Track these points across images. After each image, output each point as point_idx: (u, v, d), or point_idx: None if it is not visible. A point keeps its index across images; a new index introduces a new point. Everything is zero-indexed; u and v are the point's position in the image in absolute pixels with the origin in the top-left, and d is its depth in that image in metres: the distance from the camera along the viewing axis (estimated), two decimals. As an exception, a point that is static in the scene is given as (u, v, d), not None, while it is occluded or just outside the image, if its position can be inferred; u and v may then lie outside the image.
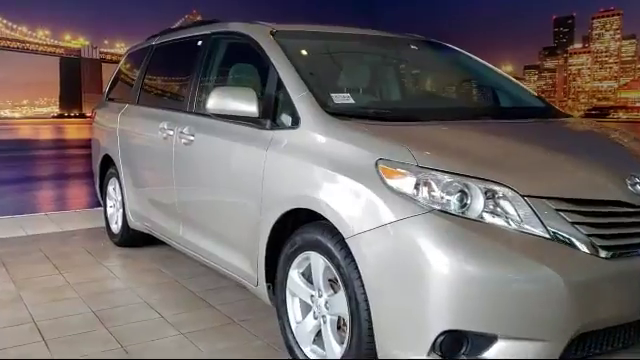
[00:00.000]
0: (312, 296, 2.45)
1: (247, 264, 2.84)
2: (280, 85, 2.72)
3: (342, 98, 2.71)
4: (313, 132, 2.48)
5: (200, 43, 3.62)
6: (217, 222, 3.14)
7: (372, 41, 3.64)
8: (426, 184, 2.03)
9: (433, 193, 2.02)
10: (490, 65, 3.69)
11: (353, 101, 2.74)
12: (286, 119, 2.66)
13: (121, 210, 4.56)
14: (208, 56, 3.48)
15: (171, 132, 3.51)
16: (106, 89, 5.29)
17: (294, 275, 2.51)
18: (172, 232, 3.70)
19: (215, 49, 3.49)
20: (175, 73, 4.16)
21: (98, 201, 5.37)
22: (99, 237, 5.00)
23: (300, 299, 2.54)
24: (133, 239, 4.56)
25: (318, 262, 2.36)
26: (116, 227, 4.72)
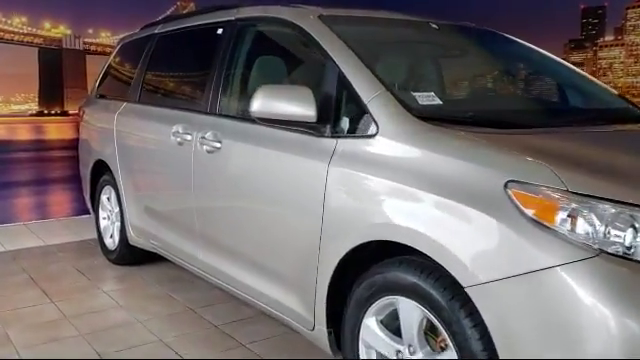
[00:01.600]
0: (398, 352, 2.07)
1: (297, 302, 2.50)
2: (343, 82, 2.38)
3: (427, 98, 2.35)
4: (399, 142, 2.11)
5: (221, 32, 3.34)
6: (254, 248, 2.82)
7: (432, 30, 3.30)
8: (583, 217, 1.67)
9: (595, 229, 1.66)
10: (560, 59, 3.45)
11: (440, 101, 2.38)
12: (352, 124, 2.33)
13: (118, 223, 4.36)
14: (232, 47, 3.20)
15: (188, 137, 3.24)
16: (96, 84, 5.13)
17: (371, 324, 2.15)
18: (189, 254, 3.42)
19: (241, 38, 3.21)
20: (188, 67, 3.93)
21: (83, 209, 5.28)
22: (90, 253, 4.77)
23: (379, 353, 2.16)
24: (133, 256, 4.35)
25: (411, 311, 1.99)
26: (112, 242, 4.50)
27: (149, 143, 3.88)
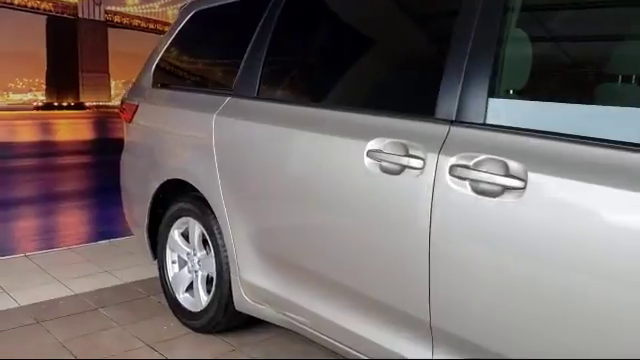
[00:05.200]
0: None
1: None
2: None
3: None
4: None
5: None
6: None
7: None
8: None
9: None
10: None
11: None
12: None
13: (204, 273, 4.38)
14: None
15: (416, 163, 2.84)
16: (151, 69, 5.06)
17: None
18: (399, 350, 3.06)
19: None
20: (384, 45, 3.58)
21: (101, 232, 5.57)
22: (147, 309, 4.76)
23: None
24: (231, 323, 4.30)
25: None
26: (192, 301, 4.49)
27: (301, 163, 3.57)
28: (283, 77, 4.14)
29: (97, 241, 6.86)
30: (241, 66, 4.13)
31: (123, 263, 5.64)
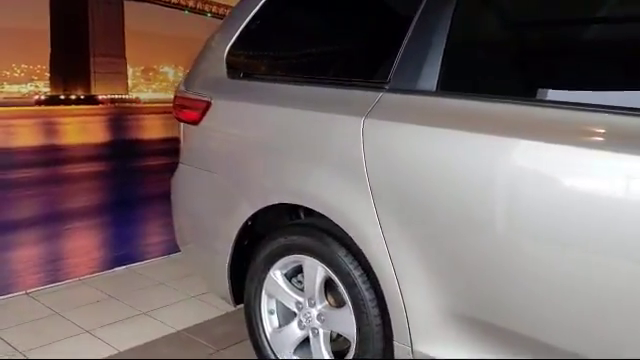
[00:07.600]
0: None
1: None
2: None
3: None
4: None
5: None
6: None
7: None
8: None
9: None
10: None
11: None
12: None
13: (326, 332, 4.29)
14: None
15: None
16: (222, 54, 4.91)
17: None
18: None
19: None
20: None
21: (118, 257, 5.95)
22: None
23: None
24: None
25: None
26: None
27: (552, 190, 3.29)
28: (498, 60, 3.79)
29: (112, 268, 7.31)
30: (402, 47, 3.85)
31: (159, 299, 5.74)
